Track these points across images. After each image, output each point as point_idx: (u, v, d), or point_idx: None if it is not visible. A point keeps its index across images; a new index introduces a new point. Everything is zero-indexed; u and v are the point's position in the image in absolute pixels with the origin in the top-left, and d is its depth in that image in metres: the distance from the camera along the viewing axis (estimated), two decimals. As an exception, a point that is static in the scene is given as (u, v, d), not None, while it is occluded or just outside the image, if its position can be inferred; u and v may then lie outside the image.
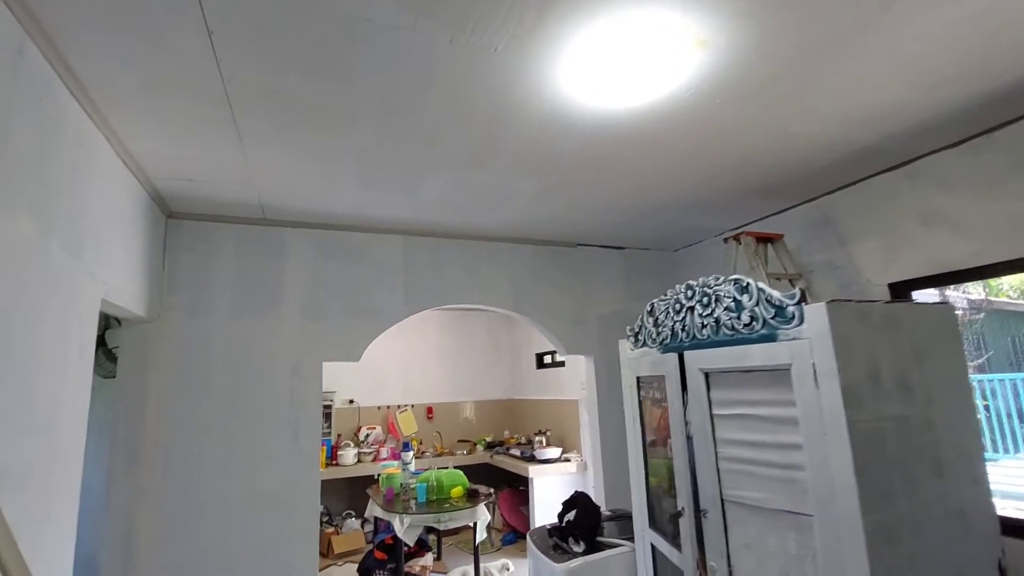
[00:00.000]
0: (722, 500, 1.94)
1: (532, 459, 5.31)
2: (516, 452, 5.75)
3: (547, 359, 6.50)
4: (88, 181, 1.98)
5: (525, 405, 6.92)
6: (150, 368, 2.83)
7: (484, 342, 7.37)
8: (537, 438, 5.60)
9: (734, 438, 1.92)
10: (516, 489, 5.84)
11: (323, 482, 6.44)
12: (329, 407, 6.29)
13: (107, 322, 3.03)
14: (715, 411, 2.00)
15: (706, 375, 2.04)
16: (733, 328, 1.90)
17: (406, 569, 4.43)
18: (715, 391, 2.01)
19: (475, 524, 4.20)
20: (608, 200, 3.12)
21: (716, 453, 1.97)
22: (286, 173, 2.55)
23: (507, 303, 3.77)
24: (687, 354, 2.13)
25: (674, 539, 2.20)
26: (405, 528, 3.95)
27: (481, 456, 6.36)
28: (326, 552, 5.52)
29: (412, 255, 3.57)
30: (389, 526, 4.22)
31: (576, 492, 3.03)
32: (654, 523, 2.46)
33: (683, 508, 2.11)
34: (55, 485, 1.78)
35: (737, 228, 3.57)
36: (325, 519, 5.98)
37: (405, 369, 6.91)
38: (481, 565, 4.41)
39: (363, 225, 3.42)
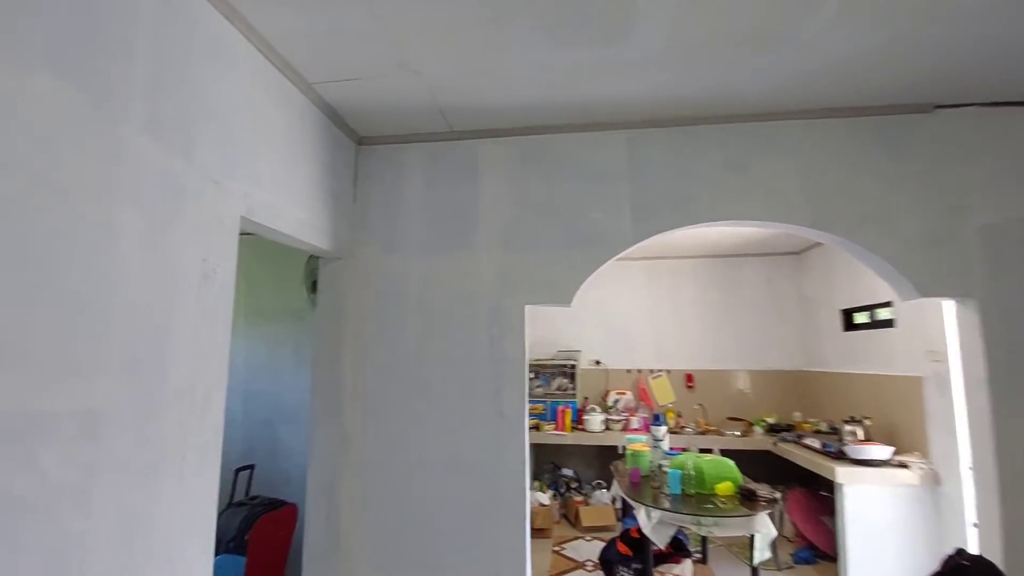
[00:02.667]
0: None
1: (841, 456, 3.68)
2: (814, 443, 4.15)
3: (860, 317, 4.55)
4: (217, 80, 1.61)
5: (825, 380, 5.08)
6: (346, 310, 2.57)
7: (760, 295, 5.73)
8: (848, 428, 3.89)
9: None
10: (814, 492, 4.25)
11: (569, 447, 6.08)
12: (573, 368, 5.77)
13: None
14: None
15: None
16: None
17: (656, 574, 3.51)
18: None
19: (752, 537, 2.99)
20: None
21: None
22: (443, 44, 1.84)
23: (799, 215, 2.38)
24: None
25: None
26: (653, 524, 3.02)
27: (760, 441, 4.91)
28: (575, 521, 5.06)
29: (640, 155, 2.52)
30: (636, 515, 3.36)
31: (963, 553, 1.59)
32: None
33: None
34: (186, 430, 1.46)
35: None
36: (574, 486, 5.55)
37: (657, 328, 5.86)
38: (764, 594, 3.17)
39: (571, 122, 2.54)
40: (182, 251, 1.50)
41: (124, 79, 1.32)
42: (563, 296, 2.46)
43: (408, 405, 2.48)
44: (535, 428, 5.38)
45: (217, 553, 3.38)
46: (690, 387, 5.75)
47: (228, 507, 3.39)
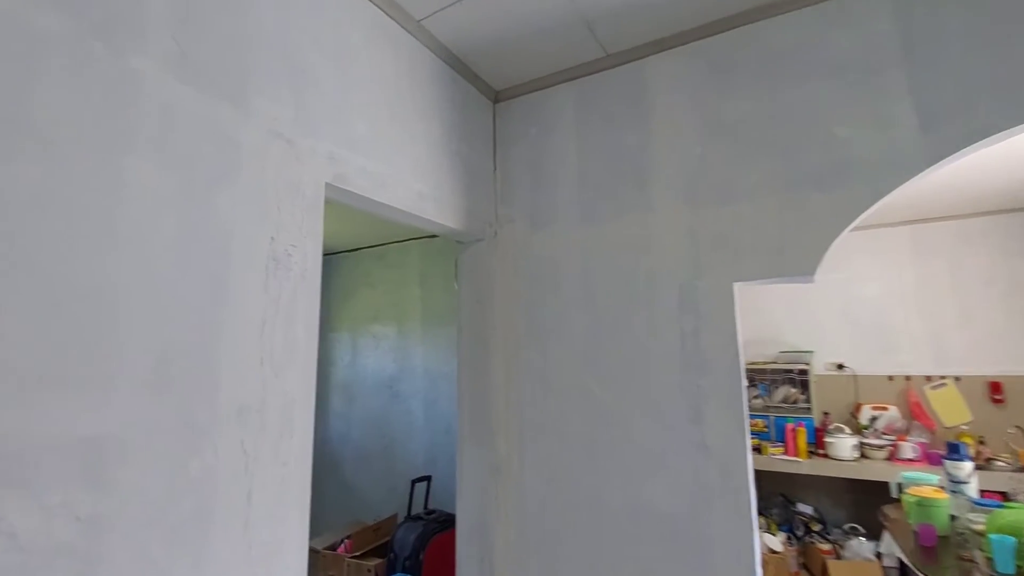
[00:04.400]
0: None
1: None
2: None
3: None
4: (282, 8, 1.27)
5: None
6: (491, 304, 2.08)
7: None
8: None
9: None
10: None
11: (805, 478, 4.63)
12: (804, 373, 4.44)
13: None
14: None
15: None
16: None
17: None
18: None
19: None
20: None
21: None
22: None
23: None
24: None
25: None
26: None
27: None
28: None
29: (923, 24, 1.50)
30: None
31: None
32: None
33: None
34: (253, 460, 1.10)
35: None
36: (816, 528, 4.23)
37: (934, 318, 4.19)
38: None
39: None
40: (237, 225, 1.14)
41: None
42: (797, 265, 1.57)
43: (573, 427, 1.86)
44: (756, 450, 4.25)
45: (394, 571, 3.26)
46: (997, 401, 3.96)
47: (405, 520, 3.23)
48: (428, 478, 3.49)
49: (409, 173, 1.68)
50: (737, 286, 1.64)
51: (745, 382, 1.60)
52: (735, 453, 1.56)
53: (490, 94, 2.18)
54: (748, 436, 1.57)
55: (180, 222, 1.04)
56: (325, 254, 4.87)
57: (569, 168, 2.01)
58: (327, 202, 1.42)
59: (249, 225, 1.17)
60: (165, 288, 1.01)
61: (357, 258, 4.77)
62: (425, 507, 3.43)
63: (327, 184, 1.37)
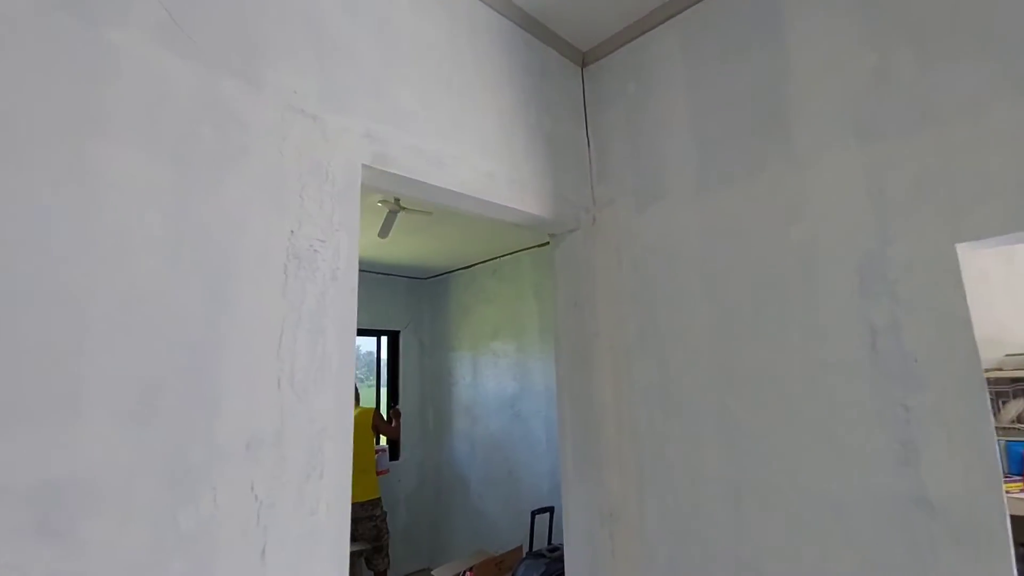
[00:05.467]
0: None
1: None
2: None
3: None
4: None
5: None
6: (593, 306, 1.69)
7: None
8: None
9: None
10: None
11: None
12: (1052, 382, 3.24)
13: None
14: None
15: None
16: None
17: None
18: None
19: None
20: None
21: None
22: None
23: None
24: None
25: None
26: None
27: None
28: None
29: None
30: None
31: None
32: None
33: None
34: (268, 507, 0.88)
35: None
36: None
37: None
38: None
39: None
40: (246, 218, 0.95)
41: (111, -40, 0.86)
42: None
43: (707, 462, 1.39)
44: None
45: (518, 614, 2.93)
46: None
47: (527, 557, 2.91)
48: (550, 509, 3.14)
49: (474, 151, 1.40)
50: (962, 249, 1.06)
51: (988, 398, 1.01)
52: (982, 513, 0.98)
53: (575, 57, 1.84)
54: (1002, 486, 0.98)
55: (172, 218, 0.87)
56: (439, 274, 4.85)
57: (679, 125, 1.58)
58: (368, 189, 1.20)
59: (262, 218, 0.97)
60: (152, 297, 0.83)
61: (472, 274, 4.67)
62: (549, 542, 3.08)
63: (364, 167, 1.14)
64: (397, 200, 2.83)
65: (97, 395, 0.76)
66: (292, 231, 1.00)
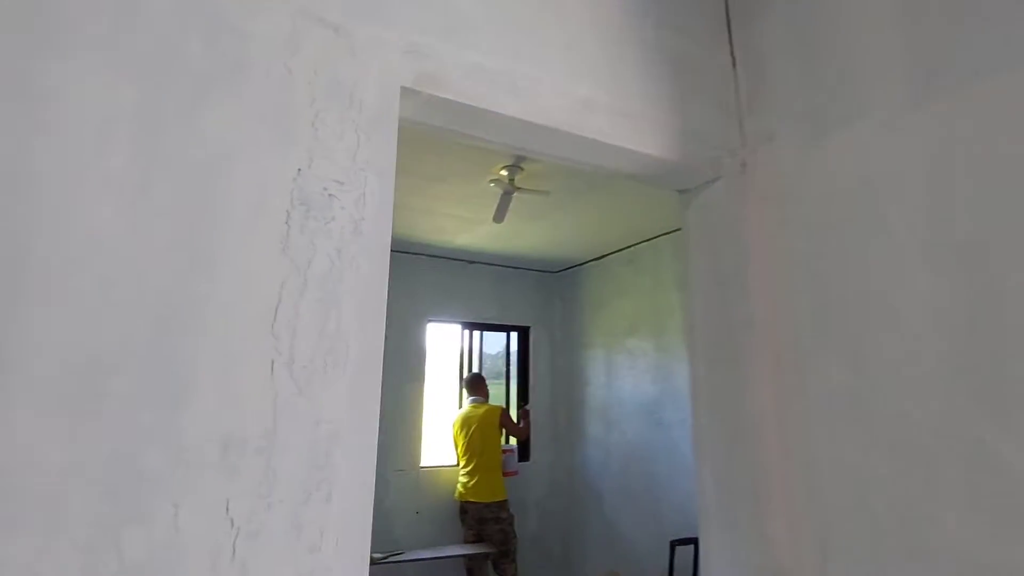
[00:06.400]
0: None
1: None
2: None
3: None
4: None
5: None
6: (743, 281, 1.21)
7: None
8: None
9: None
10: None
11: None
12: None
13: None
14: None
15: None
16: None
17: None
18: None
19: None
20: None
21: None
22: None
23: None
24: None
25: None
26: None
27: None
28: None
29: None
30: None
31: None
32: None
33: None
34: (250, 537, 0.65)
35: None
36: None
37: None
38: None
39: None
40: (236, 152, 0.73)
41: None
42: None
43: (950, 532, 0.85)
44: None
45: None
46: None
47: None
48: (694, 541, 2.61)
49: (563, 72, 1.05)
50: None
51: None
52: None
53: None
54: None
55: (139, 151, 0.68)
56: (570, 266, 4.52)
57: (880, 7, 1.04)
58: (412, 124, 0.92)
59: (258, 151, 0.74)
60: (107, 250, 0.64)
61: (605, 265, 4.26)
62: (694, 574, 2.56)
63: (405, 90, 0.86)
64: (511, 180, 2.58)
65: (23, 374, 0.58)
66: (300, 169, 0.76)
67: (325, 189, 0.77)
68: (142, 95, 0.69)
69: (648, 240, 3.81)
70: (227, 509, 0.64)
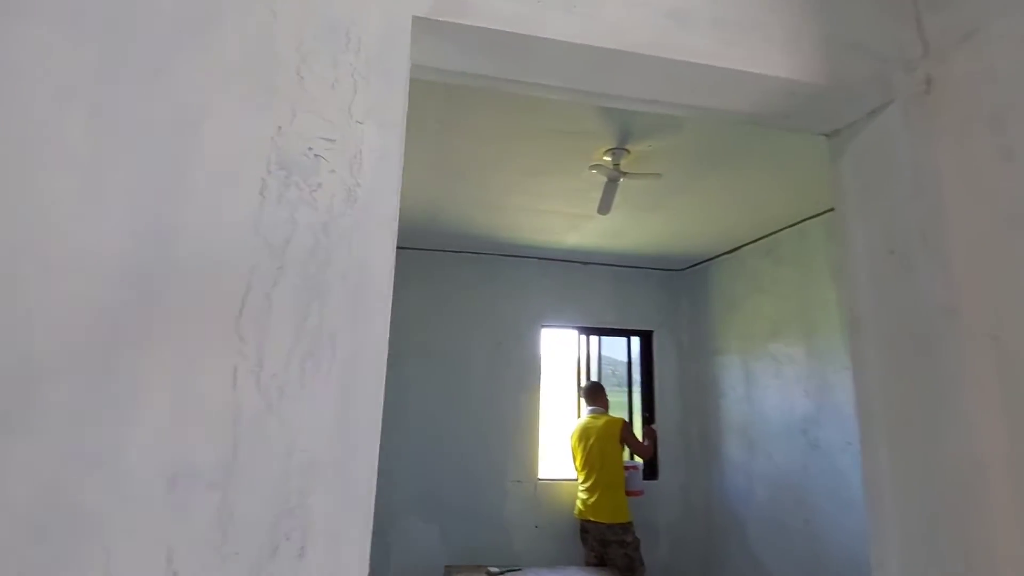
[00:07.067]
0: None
1: None
2: None
3: None
4: None
5: None
6: (935, 248, 0.81)
7: None
8: None
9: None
10: None
11: None
12: None
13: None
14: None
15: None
16: None
17: None
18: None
19: None
20: None
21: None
22: None
23: None
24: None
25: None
26: None
27: None
28: None
29: None
30: None
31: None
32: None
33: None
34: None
35: None
36: None
37: None
38: None
39: None
40: (205, 111, 0.59)
41: None
42: None
43: None
44: None
45: None
46: None
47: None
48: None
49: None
50: None
51: None
52: None
53: None
54: None
55: (96, 121, 0.57)
56: (697, 262, 4.02)
57: None
58: (425, 71, 0.72)
59: (231, 109, 0.60)
60: (54, 234, 0.54)
61: (738, 259, 3.71)
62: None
63: (417, 20, 0.67)
64: (616, 164, 2.29)
65: (-55, 381, 0.49)
66: (280, 127, 0.61)
67: (310, 149, 0.61)
68: (106, 53, 0.59)
69: (791, 226, 3.22)
70: (169, 560, 0.49)
